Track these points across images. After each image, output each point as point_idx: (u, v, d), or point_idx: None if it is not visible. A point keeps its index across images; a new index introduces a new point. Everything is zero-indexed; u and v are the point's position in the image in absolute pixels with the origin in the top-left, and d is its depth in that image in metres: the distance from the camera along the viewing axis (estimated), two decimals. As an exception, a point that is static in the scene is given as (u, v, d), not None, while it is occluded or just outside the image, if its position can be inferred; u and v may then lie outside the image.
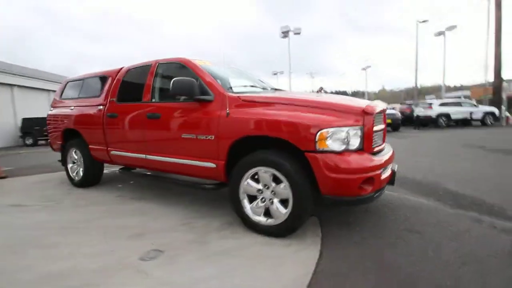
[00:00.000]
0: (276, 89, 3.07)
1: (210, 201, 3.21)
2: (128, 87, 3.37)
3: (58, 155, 4.48)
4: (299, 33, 23.65)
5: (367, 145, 2.05)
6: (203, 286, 1.61)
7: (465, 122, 14.94)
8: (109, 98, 3.47)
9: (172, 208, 3.01)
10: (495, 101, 16.26)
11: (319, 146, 1.92)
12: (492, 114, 14.66)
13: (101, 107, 3.52)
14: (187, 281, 1.66)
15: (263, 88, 2.95)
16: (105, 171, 4.32)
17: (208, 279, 1.67)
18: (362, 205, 2.34)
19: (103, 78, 3.72)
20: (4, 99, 15.56)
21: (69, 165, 4.16)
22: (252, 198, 2.32)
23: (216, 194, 3.43)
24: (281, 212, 2.13)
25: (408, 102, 22.64)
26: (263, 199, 2.24)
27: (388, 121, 11.97)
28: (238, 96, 2.37)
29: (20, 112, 15.88)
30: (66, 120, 4.07)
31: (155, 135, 2.92)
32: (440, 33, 22.96)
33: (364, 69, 37.05)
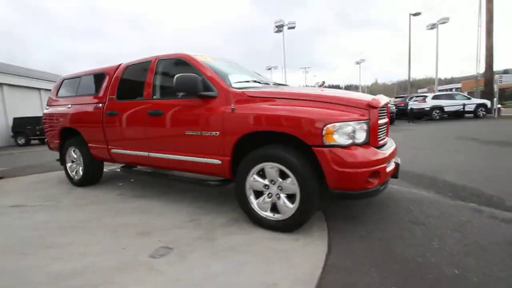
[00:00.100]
0: (278, 84, 3.06)
1: (213, 197, 3.22)
2: (128, 84, 3.33)
3: (53, 154, 4.42)
4: (293, 27, 23.54)
5: (372, 139, 2.08)
6: (217, 282, 1.62)
7: (458, 114, 15.17)
8: (108, 95, 3.42)
9: (175, 205, 3.00)
10: (487, 93, 16.53)
11: (326, 141, 1.94)
12: (484, 106, 14.91)
13: (100, 104, 3.47)
14: (200, 277, 1.66)
15: (265, 83, 2.94)
16: (104, 170, 4.27)
17: (220, 274, 1.69)
18: (368, 198, 2.37)
19: (100, 75, 3.65)
20: (-7, 98, 15.20)
21: (68, 164, 4.10)
22: (258, 194, 2.33)
23: (218, 191, 3.44)
24: (289, 207, 2.15)
25: (401, 95, 22.84)
26: (270, 195, 2.25)
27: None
28: (242, 92, 2.36)
29: (11, 111, 15.53)
30: (64, 118, 4.00)
31: (157, 132, 2.90)
32: (433, 26, 23.12)
33: (358, 63, 37.17)
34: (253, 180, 2.29)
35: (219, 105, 2.42)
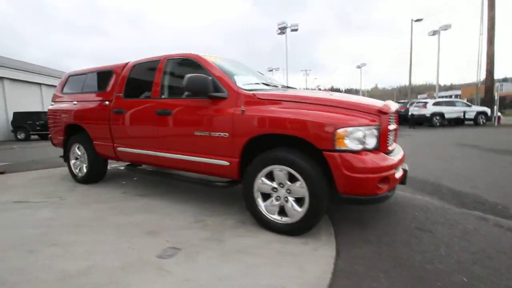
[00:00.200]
0: (287, 87, 3.07)
1: (218, 198, 3.22)
2: (136, 82, 3.33)
3: (55, 150, 4.41)
4: (296, 30, 23.61)
5: (382, 145, 2.09)
6: (226, 284, 1.62)
7: (458, 122, 15.25)
8: (115, 93, 3.42)
9: (180, 205, 3.00)
10: (487, 100, 16.62)
11: (337, 145, 1.94)
12: (484, 113, 15.00)
13: (107, 102, 3.46)
14: (209, 279, 1.66)
15: (274, 86, 2.95)
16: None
17: (231, 277, 1.69)
18: (377, 204, 2.38)
19: (107, 73, 3.65)
20: (-6, 92, 15.15)
21: (72, 161, 4.09)
22: (265, 197, 2.34)
23: (223, 192, 3.44)
24: (297, 210, 2.15)
25: (402, 101, 22.95)
26: (278, 198, 2.26)
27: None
28: (253, 94, 2.37)
29: (11, 106, 15.48)
30: (69, 115, 4.00)
31: (165, 132, 2.90)
32: (435, 33, 23.25)
33: (359, 67, 37.29)
34: (261, 182, 2.30)
35: (228, 107, 2.42)
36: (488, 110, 15.06)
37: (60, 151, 4.47)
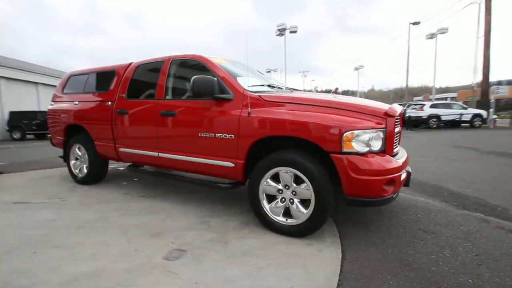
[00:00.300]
0: (292, 89, 3.08)
1: (221, 200, 3.21)
2: (139, 83, 3.31)
3: (53, 150, 4.36)
4: (295, 32, 23.70)
5: (388, 147, 2.10)
6: (236, 286, 1.62)
7: (454, 124, 15.41)
8: (117, 93, 3.40)
9: (183, 206, 2.99)
10: (483, 103, 16.82)
11: (344, 148, 1.95)
12: (480, 116, 15.18)
13: (109, 102, 3.44)
14: (217, 281, 1.66)
15: (279, 88, 2.96)
16: (108, 168, 4.23)
17: (238, 279, 1.69)
18: (382, 206, 2.39)
19: (110, 73, 3.63)
20: (-11, 91, 14.95)
21: (72, 162, 4.06)
22: (270, 198, 2.34)
23: (226, 193, 3.44)
24: (302, 212, 2.16)
25: (400, 103, 23.12)
26: (283, 199, 2.26)
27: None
28: (259, 96, 2.37)
29: (7, 105, 15.28)
30: (70, 115, 3.96)
31: (169, 133, 2.89)
32: (432, 36, 23.49)
33: (356, 69, 37.52)
34: (267, 184, 2.30)
35: (234, 108, 2.42)
36: (484, 113, 15.25)
37: (59, 151, 4.44)
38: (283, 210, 2.27)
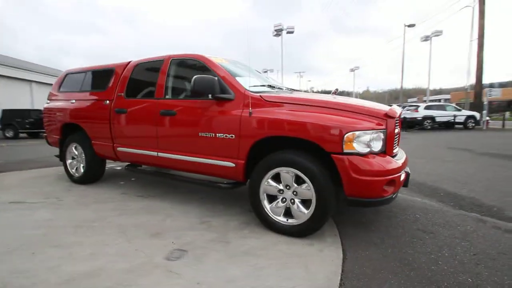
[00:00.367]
0: (292, 89, 3.09)
1: (220, 200, 3.21)
2: (138, 82, 3.29)
3: (48, 149, 4.31)
4: (292, 32, 23.78)
5: (389, 148, 2.13)
6: (238, 286, 1.62)
7: (448, 125, 15.62)
8: (116, 92, 3.37)
9: (182, 206, 2.98)
10: (476, 105, 17.09)
11: (345, 148, 1.97)
12: (474, 118, 15.41)
13: (108, 101, 3.41)
14: (219, 281, 1.66)
15: (279, 88, 2.96)
16: (105, 168, 4.19)
17: (240, 279, 1.69)
18: (382, 206, 2.42)
19: (108, 72, 3.59)
20: (-19, 88, 14.70)
21: (68, 161, 4.01)
22: (271, 198, 2.35)
23: (225, 193, 3.43)
24: (303, 212, 2.17)
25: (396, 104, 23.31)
26: (284, 199, 2.27)
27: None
28: (260, 96, 2.38)
29: (0, 103, 15.04)
30: (66, 113, 3.91)
31: (168, 132, 2.87)
32: (427, 38, 23.79)
33: (352, 70, 37.80)
34: (267, 184, 2.31)
35: (235, 108, 2.42)
36: (477, 115, 15.48)
37: (53, 150, 4.38)
38: (283, 210, 2.28)
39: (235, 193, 3.42)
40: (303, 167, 2.09)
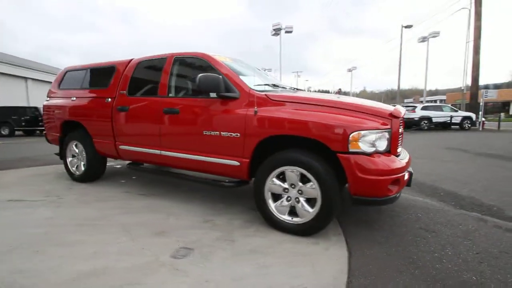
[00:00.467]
0: (296, 89, 3.10)
1: (223, 198, 3.21)
2: (141, 80, 3.27)
3: (43, 147, 4.27)
4: (290, 32, 23.79)
5: (393, 148, 2.14)
6: (247, 284, 1.62)
7: (444, 126, 15.77)
8: (118, 90, 3.35)
9: (185, 205, 2.97)
10: (472, 106, 17.27)
11: (351, 148, 1.98)
12: (470, 119, 15.58)
13: (109, 99, 3.39)
14: (227, 279, 1.66)
15: (283, 87, 2.97)
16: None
17: (248, 277, 1.69)
18: (386, 205, 2.43)
19: (110, 69, 3.57)
20: (-24, 85, 14.50)
21: (69, 159, 3.97)
22: (275, 197, 2.35)
23: (227, 192, 3.43)
24: (308, 211, 2.18)
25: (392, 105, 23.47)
26: (289, 198, 2.28)
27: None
28: (265, 95, 2.38)
29: (-5, 99, 14.86)
30: (67, 111, 3.88)
31: (172, 131, 2.86)
32: (424, 39, 23.95)
33: (350, 70, 37.95)
34: (272, 183, 2.31)
35: (240, 107, 2.42)
36: (473, 115, 15.65)
37: (51, 148, 4.33)
38: (288, 209, 2.28)
39: (237, 192, 3.42)
40: (309, 166, 2.10)
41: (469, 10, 18.67)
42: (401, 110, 2.24)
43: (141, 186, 3.70)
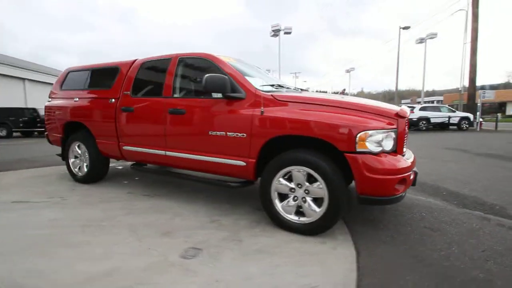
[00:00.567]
0: (301, 89, 3.12)
1: (228, 199, 3.21)
2: (145, 81, 3.27)
3: (42, 148, 4.26)
4: (289, 33, 23.87)
5: (399, 147, 2.16)
6: (258, 283, 1.63)
7: (442, 126, 15.89)
8: (122, 91, 3.35)
9: (190, 205, 2.97)
10: (470, 107, 17.42)
11: (358, 147, 2.00)
12: (467, 119, 15.71)
13: (113, 100, 3.38)
14: (237, 278, 1.67)
15: (288, 88, 2.98)
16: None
17: (259, 276, 1.70)
18: (392, 204, 2.45)
19: (113, 70, 3.56)
20: (-27, 86, 14.39)
21: (71, 160, 3.96)
22: (282, 197, 2.36)
23: (232, 192, 3.43)
24: (315, 210, 2.19)
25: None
26: (295, 198, 2.29)
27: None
28: (272, 95, 2.39)
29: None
30: (69, 112, 3.86)
31: (178, 131, 2.86)
32: (422, 41, 24.13)
33: (348, 71, 38.11)
34: (279, 183, 2.32)
35: (246, 107, 2.43)
36: (471, 116, 15.78)
37: (50, 149, 4.31)
38: (295, 209, 2.29)
39: (241, 192, 3.42)
40: (316, 166, 2.11)
41: (466, 11, 18.86)
42: (407, 110, 2.26)
43: (144, 187, 3.70)
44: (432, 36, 23.04)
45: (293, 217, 2.29)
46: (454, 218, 2.68)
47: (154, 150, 3.06)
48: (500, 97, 33.61)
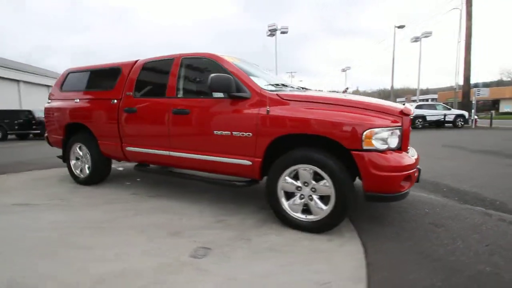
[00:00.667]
0: (305, 88, 3.14)
1: (233, 199, 3.22)
2: (147, 81, 3.27)
3: (38, 151, 4.22)
4: (286, 32, 23.94)
5: (404, 145, 2.19)
6: (272, 281, 1.64)
7: (438, 124, 16.07)
8: (124, 92, 3.33)
9: (195, 206, 2.98)
10: (465, 104, 17.64)
11: (365, 145, 2.02)
12: (463, 116, 15.91)
13: (115, 101, 3.37)
14: (250, 277, 1.68)
15: (291, 87, 3.00)
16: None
17: (270, 274, 1.71)
18: (398, 201, 2.48)
19: (115, 71, 3.55)
20: (-34, 88, 14.18)
21: (72, 162, 3.93)
22: (288, 195, 2.38)
23: (237, 192, 3.44)
24: (322, 208, 2.21)
25: None
26: (302, 196, 2.31)
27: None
28: (277, 94, 2.41)
29: (-14, 103, 14.53)
30: (70, 113, 3.84)
31: (182, 131, 2.87)
32: (416, 39, 24.36)
33: (344, 70, 38.33)
34: (285, 181, 2.34)
35: (252, 107, 2.44)
36: (466, 114, 15.99)
37: (47, 151, 4.28)
38: (302, 207, 2.31)
39: (245, 192, 3.44)
40: (323, 164, 2.14)
41: (460, 10, 19.09)
42: (411, 108, 2.29)
43: (148, 188, 3.69)
44: (427, 34, 23.28)
45: (300, 215, 2.31)
46: (456, 213, 2.72)
47: (157, 151, 3.06)
48: (493, 94, 34.06)
